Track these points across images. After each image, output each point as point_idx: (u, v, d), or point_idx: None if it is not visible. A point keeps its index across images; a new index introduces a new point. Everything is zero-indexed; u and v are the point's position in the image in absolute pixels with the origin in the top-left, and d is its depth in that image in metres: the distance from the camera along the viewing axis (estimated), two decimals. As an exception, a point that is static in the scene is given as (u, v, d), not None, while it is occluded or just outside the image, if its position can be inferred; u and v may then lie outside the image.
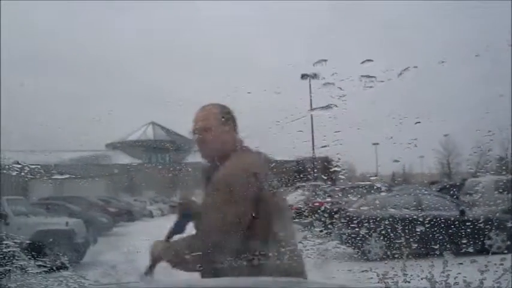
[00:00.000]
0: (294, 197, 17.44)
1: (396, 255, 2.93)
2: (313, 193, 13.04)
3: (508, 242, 11.17)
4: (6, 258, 2.44)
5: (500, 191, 12.29)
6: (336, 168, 3.36)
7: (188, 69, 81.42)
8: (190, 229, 2.93)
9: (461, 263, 2.55)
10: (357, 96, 2.61)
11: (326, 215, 3.59)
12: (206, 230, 2.68)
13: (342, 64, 2.64)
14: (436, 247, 3.23)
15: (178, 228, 2.95)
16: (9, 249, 2.51)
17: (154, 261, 2.77)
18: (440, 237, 5.33)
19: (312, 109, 2.70)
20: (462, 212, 11.99)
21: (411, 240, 3.41)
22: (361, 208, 10.06)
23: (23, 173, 2.77)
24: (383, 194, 10.11)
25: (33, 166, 2.82)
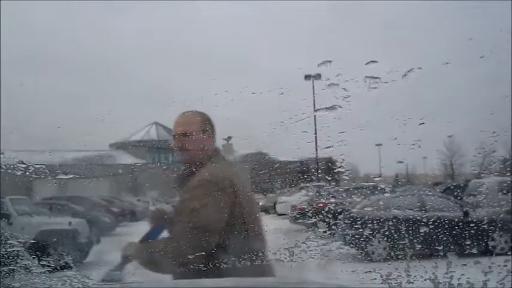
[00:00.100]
0: (298, 198, 17.43)
1: (400, 256, 2.93)
2: (317, 193, 13.03)
3: (512, 244, 11.16)
4: (11, 257, 2.44)
5: (504, 192, 12.25)
6: (340, 169, 3.37)
7: (190, 70, 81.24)
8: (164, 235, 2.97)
9: (465, 264, 2.55)
10: (361, 97, 2.61)
11: (330, 216, 3.59)
12: (179, 234, 2.71)
13: (346, 65, 2.65)
14: (439, 248, 3.24)
15: (152, 235, 2.99)
16: (13, 249, 2.51)
17: (125, 260, 2.80)
18: (444, 238, 5.33)
19: (316, 110, 2.71)
20: (466, 213, 11.97)
21: (415, 241, 3.42)
22: (365, 209, 10.05)
23: (27, 173, 2.77)
24: (387, 194, 10.11)
25: (38, 166, 2.83)
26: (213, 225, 2.65)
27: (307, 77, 27.02)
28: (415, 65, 2.58)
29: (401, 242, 3.45)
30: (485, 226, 10.69)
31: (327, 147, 2.90)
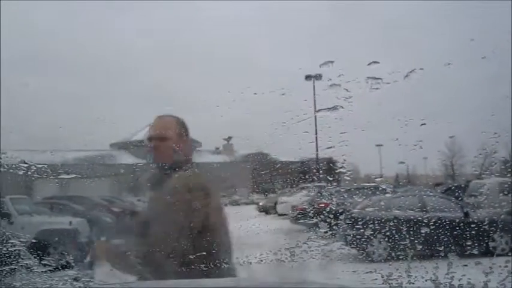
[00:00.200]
0: (299, 198, 17.42)
1: (401, 257, 2.93)
2: (319, 194, 13.02)
3: (513, 244, 11.17)
4: (12, 257, 2.45)
5: (505, 193, 12.25)
6: (341, 170, 3.37)
7: (192, 70, 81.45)
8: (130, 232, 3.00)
9: (465, 265, 2.55)
10: (363, 97, 2.62)
11: (331, 216, 3.59)
12: (149, 235, 2.71)
13: (348, 66, 2.65)
14: (440, 249, 3.24)
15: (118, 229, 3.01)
16: (14, 248, 2.51)
17: (94, 258, 2.81)
18: (445, 239, 5.33)
19: (318, 110, 2.71)
20: (466, 214, 11.97)
21: (416, 241, 3.42)
22: (366, 209, 10.05)
23: (29, 172, 2.78)
24: (388, 195, 10.11)
25: (40, 165, 2.83)
26: (184, 229, 2.66)
27: (307, 77, 27.03)
28: (417, 66, 2.58)
29: (402, 243, 3.46)
30: (486, 227, 10.68)
31: (328, 148, 2.90)
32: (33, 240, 2.69)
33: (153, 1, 79.77)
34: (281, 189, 29.66)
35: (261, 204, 31.35)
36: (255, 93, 3.33)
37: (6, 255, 2.47)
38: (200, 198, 2.73)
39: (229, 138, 61.10)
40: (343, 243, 9.06)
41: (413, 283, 2.38)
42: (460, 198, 15.01)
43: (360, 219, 8.09)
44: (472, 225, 7.12)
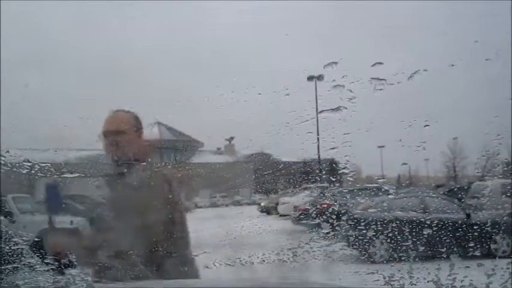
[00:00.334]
0: (302, 198, 17.40)
1: (403, 258, 2.93)
2: (321, 194, 13.01)
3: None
4: (15, 255, 2.45)
5: (508, 195, 12.22)
6: (344, 170, 3.37)
7: (195, 70, 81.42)
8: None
9: (468, 267, 2.55)
10: (366, 98, 2.61)
11: (333, 217, 3.59)
12: (116, 231, 2.67)
13: (352, 66, 2.65)
14: (442, 250, 3.23)
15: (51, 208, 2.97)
16: (17, 247, 2.51)
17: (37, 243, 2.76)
18: (447, 241, 5.32)
19: (321, 111, 2.71)
20: (468, 216, 11.96)
21: (418, 243, 3.42)
22: (368, 210, 10.04)
23: (33, 171, 2.78)
24: (390, 196, 10.11)
25: (43, 164, 2.83)
26: (152, 225, 2.64)
27: (309, 78, 26.98)
28: (421, 67, 2.58)
29: (405, 244, 3.45)
30: (488, 228, 10.68)
31: (331, 149, 2.90)
32: (36, 239, 2.68)
33: (157, 2, 79.81)
34: (283, 189, 29.63)
35: (262, 204, 31.33)
36: (259, 94, 3.33)
37: (9, 253, 2.47)
38: (159, 193, 2.72)
39: (231, 138, 61.11)
40: (345, 244, 9.06)
41: (415, 284, 2.38)
42: (462, 200, 14.99)
43: (362, 220, 8.08)
44: (475, 227, 7.11)
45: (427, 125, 2.98)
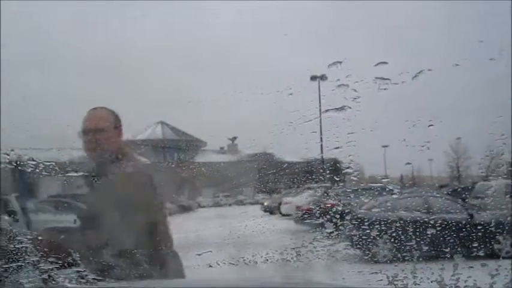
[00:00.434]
0: (305, 198, 17.39)
1: (406, 258, 2.93)
2: (325, 194, 12.99)
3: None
4: (19, 254, 2.45)
5: (512, 195, 12.21)
6: (348, 170, 3.37)
7: (198, 70, 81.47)
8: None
9: (471, 267, 2.55)
10: (371, 98, 2.61)
11: (337, 216, 3.59)
12: (101, 229, 2.67)
13: (356, 66, 2.65)
14: (446, 250, 3.23)
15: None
16: (21, 245, 2.51)
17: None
18: (451, 241, 5.32)
19: (326, 110, 2.71)
20: (472, 216, 11.95)
21: (421, 242, 3.41)
22: (372, 210, 10.03)
23: (37, 170, 2.79)
24: (394, 196, 10.09)
25: (48, 163, 2.84)
26: (132, 223, 2.62)
27: (312, 77, 26.95)
28: (425, 67, 2.58)
29: (408, 244, 3.45)
30: (492, 229, 10.65)
31: (336, 148, 2.90)
32: (39, 238, 2.67)
33: (159, 2, 79.81)
34: (286, 189, 29.60)
35: (265, 204, 31.35)
36: (262, 93, 3.34)
37: (14, 252, 2.47)
38: (139, 191, 2.72)
39: (234, 138, 61.21)
40: (349, 244, 9.06)
41: (418, 284, 2.39)
42: (465, 200, 14.98)
43: (365, 220, 8.07)
44: (478, 227, 7.09)
45: (431, 125, 2.98)
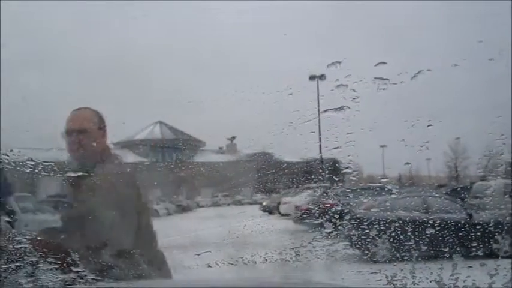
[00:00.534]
0: (304, 197, 17.40)
1: (405, 258, 2.94)
2: (324, 194, 12.99)
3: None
4: (18, 254, 2.45)
5: (511, 195, 12.20)
6: (347, 170, 3.37)
7: (197, 70, 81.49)
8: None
9: (470, 266, 2.56)
10: (370, 98, 2.62)
11: (336, 216, 3.60)
12: (86, 231, 2.63)
13: (355, 66, 2.65)
14: (445, 250, 3.24)
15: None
16: (20, 246, 2.51)
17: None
18: (450, 240, 5.32)
19: (325, 110, 2.71)
20: (471, 216, 11.96)
21: (420, 242, 3.42)
22: (371, 210, 10.04)
23: (36, 170, 2.78)
24: (393, 196, 10.09)
25: (47, 163, 2.84)
26: (115, 225, 2.62)
27: (311, 77, 26.93)
28: (425, 67, 2.58)
29: (407, 244, 3.46)
30: (491, 228, 10.67)
31: (335, 148, 2.90)
32: (38, 238, 2.67)
33: (160, 2, 79.79)
34: (285, 189, 29.60)
35: (264, 204, 31.34)
36: (263, 93, 3.34)
37: (13, 252, 2.47)
38: (122, 192, 2.71)
39: (233, 138, 61.21)
40: (348, 244, 9.07)
41: (417, 284, 2.39)
42: (464, 200, 14.98)
43: (364, 220, 8.07)
44: (477, 227, 7.10)
45: (431, 125, 2.99)
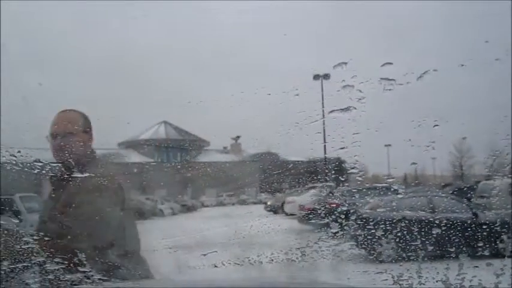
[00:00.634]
0: (310, 197, 17.38)
1: (411, 257, 2.93)
2: (330, 193, 12.99)
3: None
4: (25, 254, 2.45)
5: (517, 194, 12.19)
6: (352, 170, 3.36)
7: (203, 70, 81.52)
8: None
9: (476, 266, 2.55)
10: (376, 98, 2.62)
11: (342, 216, 3.59)
12: (71, 233, 2.60)
13: (362, 67, 2.65)
14: (451, 250, 3.23)
15: None
16: (28, 246, 2.51)
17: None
18: (456, 240, 5.31)
19: (331, 111, 2.71)
20: (476, 215, 11.92)
21: (426, 242, 3.41)
22: (377, 210, 10.02)
23: (44, 171, 2.79)
24: (399, 196, 10.09)
25: (54, 164, 2.84)
26: (99, 227, 2.62)
27: (315, 77, 26.92)
28: (431, 67, 2.58)
29: (413, 243, 3.45)
30: (497, 228, 10.65)
31: (341, 148, 2.90)
32: (46, 239, 2.67)
33: (164, 2, 79.78)
34: (289, 188, 29.59)
35: (269, 203, 31.31)
36: (269, 94, 3.34)
37: (20, 252, 2.47)
38: (107, 196, 2.71)
39: (237, 137, 61.16)
40: (354, 244, 9.05)
41: (424, 284, 2.39)
42: (470, 200, 14.94)
43: (370, 220, 8.06)
44: (483, 227, 7.10)
45: (437, 125, 2.98)
